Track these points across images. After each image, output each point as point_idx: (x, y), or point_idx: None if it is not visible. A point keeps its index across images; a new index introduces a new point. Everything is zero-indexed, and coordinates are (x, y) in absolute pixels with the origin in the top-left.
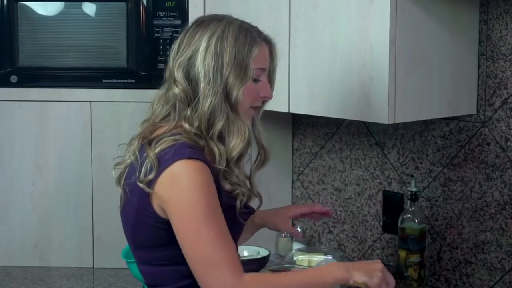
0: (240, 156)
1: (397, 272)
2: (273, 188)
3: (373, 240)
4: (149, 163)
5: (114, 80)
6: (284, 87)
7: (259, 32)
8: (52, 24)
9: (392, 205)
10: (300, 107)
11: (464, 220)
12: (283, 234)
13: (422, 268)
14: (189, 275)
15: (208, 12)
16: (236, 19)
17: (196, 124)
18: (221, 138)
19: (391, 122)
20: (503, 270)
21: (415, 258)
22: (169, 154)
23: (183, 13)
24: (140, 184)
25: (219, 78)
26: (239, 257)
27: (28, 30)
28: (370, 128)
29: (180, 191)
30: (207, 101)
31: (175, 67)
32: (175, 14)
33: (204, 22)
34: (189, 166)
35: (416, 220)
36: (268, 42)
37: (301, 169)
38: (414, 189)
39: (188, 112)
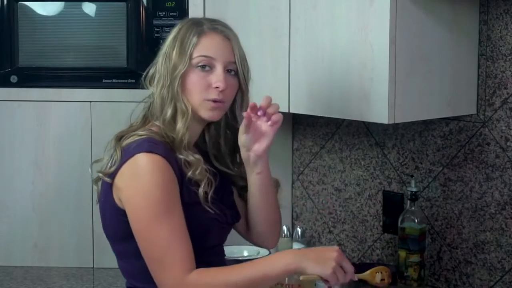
0: (187, 139)
1: (397, 272)
2: None
3: (373, 240)
4: (115, 157)
5: (114, 80)
6: (284, 87)
7: (212, 23)
8: (52, 24)
9: (392, 205)
10: (300, 107)
11: (464, 220)
12: (283, 234)
13: (422, 268)
14: None
15: (208, 12)
16: (198, 18)
17: (159, 118)
18: (171, 125)
19: (391, 122)
20: (503, 270)
21: (415, 258)
22: (131, 147)
23: (183, 13)
24: (100, 174)
25: (167, 72)
26: (191, 253)
27: (28, 30)
28: (370, 128)
29: (136, 184)
30: (157, 93)
31: (145, 73)
32: (175, 14)
33: (174, 27)
34: (147, 159)
35: (416, 220)
36: (218, 31)
37: (301, 169)
38: (414, 189)
39: (154, 109)
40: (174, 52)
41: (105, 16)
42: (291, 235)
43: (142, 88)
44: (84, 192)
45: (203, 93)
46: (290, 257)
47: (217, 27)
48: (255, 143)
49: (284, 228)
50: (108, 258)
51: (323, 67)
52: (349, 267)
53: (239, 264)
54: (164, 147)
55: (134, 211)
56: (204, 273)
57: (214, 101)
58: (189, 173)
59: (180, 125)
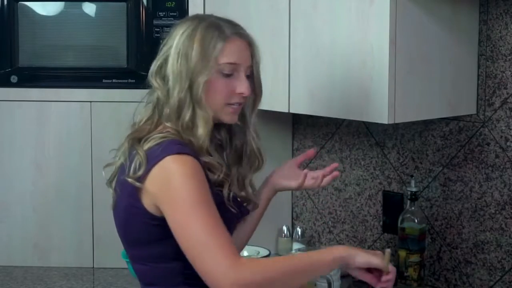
0: (208, 144)
1: (397, 272)
2: None
3: (373, 240)
4: (138, 160)
5: (114, 80)
6: (284, 87)
7: (233, 28)
8: (52, 24)
9: (392, 205)
10: (300, 107)
11: (464, 220)
12: (283, 234)
13: (422, 268)
14: (181, 272)
15: (208, 12)
16: (211, 17)
17: (172, 120)
18: (190, 130)
19: (391, 122)
20: (503, 270)
21: (415, 258)
22: (158, 151)
23: (183, 13)
24: (129, 180)
25: (184, 74)
26: (234, 245)
27: (28, 30)
28: (370, 128)
29: (172, 185)
30: (174, 96)
31: (154, 69)
32: (175, 14)
33: (181, 22)
34: (179, 160)
35: (416, 220)
36: (242, 37)
37: (301, 169)
38: (414, 189)
39: (167, 110)
40: (194, 54)
41: (105, 16)
42: (291, 235)
43: (144, 87)
44: (84, 192)
45: (226, 99)
46: (342, 248)
47: (241, 32)
48: (289, 180)
49: (284, 228)
50: (108, 258)
51: (323, 67)
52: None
53: (288, 255)
54: (191, 148)
55: (173, 207)
56: (253, 259)
57: (234, 104)
58: (215, 177)
59: (201, 131)
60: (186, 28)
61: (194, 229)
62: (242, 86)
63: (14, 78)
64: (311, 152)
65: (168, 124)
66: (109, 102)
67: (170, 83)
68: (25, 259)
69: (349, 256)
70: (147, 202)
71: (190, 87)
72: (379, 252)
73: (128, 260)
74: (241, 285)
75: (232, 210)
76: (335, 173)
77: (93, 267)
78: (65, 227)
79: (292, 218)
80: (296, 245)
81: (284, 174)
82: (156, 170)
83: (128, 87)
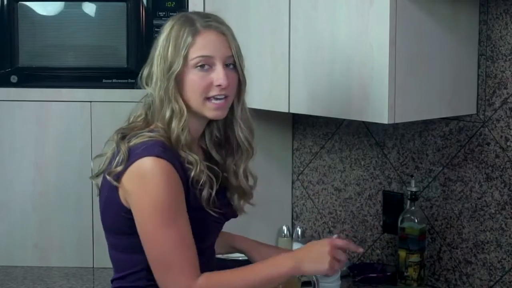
0: (185, 140)
1: (397, 272)
2: (273, 188)
3: (373, 240)
4: (122, 155)
5: (114, 80)
6: (284, 87)
7: (204, 20)
8: (52, 24)
9: (392, 205)
10: (300, 107)
11: (464, 220)
12: (283, 234)
13: (422, 268)
14: (145, 264)
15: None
16: (189, 14)
17: (160, 120)
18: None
19: (391, 122)
20: (503, 270)
21: (415, 258)
22: (140, 149)
23: None
24: (107, 177)
25: (163, 73)
26: (197, 258)
27: (28, 30)
28: (370, 128)
29: (143, 189)
30: (156, 95)
31: (144, 75)
32: (175, 14)
33: (165, 23)
34: (156, 164)
35: (416, 220)
36: (215, 29)
37: (301, 169)
38: (414, 189)
39: (155, 110)
40: (169, 53)
41: (105, 16)
42: (291, 235)
43: (139, 88)
44: (84, 192)
45: (205, 92)
46: (292, 262)
47: (211, 23)
48: None
49: (284, 228)
50: (108, 258)
51: (323, 67)
52: (343, 256)
53: (243, 267)
54: (172, 151)
55: (141, 215)
56: (211, 277)
57: (216, 98)
58: (192, 173)
59: (174, 125)
60: (165, 29)
61: (160, 243)
62: (218, 78)
63: (14, 78)
64: None
65: (159, 124)
66: (109, 102)
67: (152, 84)
68: (25, 259)
69: (299, 271)
70: (123, 196)
71: (168, 85)
72: (323, 245)
73: None
74: None
75: (213, 214)
76: None
77: (93, 267)
78: (65, 227)
79: (292, 218)
80: (296, 245)
81: None
82: (133, 169)
83: (128, 87)
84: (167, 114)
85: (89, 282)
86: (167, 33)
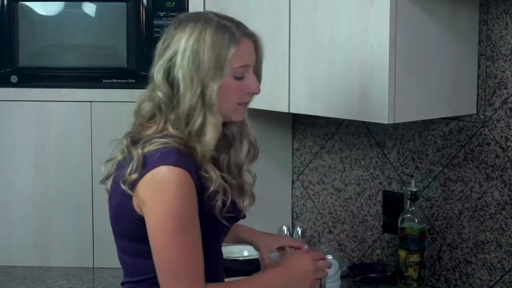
0: (209, 149)
1: (397, 272)
2: (273, 188)
3: (373, 240)
4: (136, 162)
5: (114, 80)
6: (284, 87)
7: (239, 28)
8: (52, 24)
9: (392, 205)
10: (300, 107)
11: (464, 220)
12: (283, 234)
13: (422, 268)
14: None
15: None
16: (214, 17)
17: (179, 127)
18: (199, 137)
19: (391, 122)
20: (503, 270)
21: (415, 258)
22: (155, 157)
23: None
24: (123, 186)
25: (196, 80)
26: (203, 269)
27: (28, 30)
28: (370, 128)
29: (159, 198)
30: (185, 102)
31: (155, 71)
32: (175, 14)
33: (182, 23)
34: (172, 173)
35: (416, 220)
36: (250, 37)
37: (301, 169)
38: (414, 189)
39: (173, 115)
40: (206, 60)
41: (105, 16)
42: (291, 235)
43: (144, 87)
44: (84, 192)
45: (239, 99)
46: (280, 280)
47: (248, 31)
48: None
49: (284, 228)
50: (108, 258)
51: (323, 67)
52: (323, 263)
53: (243, 280)
54: (189, 159)
55: (152, 223)
56: (217, 286)
57: (245, 103)
58: (212, 187)
59: (209, 137)
60: (192, 31)
61: (168, 252)
62: (254, 86)
63: (14, 78)
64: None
65: (172, 131)
66: (109, 102)
67: (181, 89)
68: (25, 259)
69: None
70: (136, 204)
71: (202, 93)
72: (303, 259)
73: None
74: None
75: (226, 223)
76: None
77: (93, 267)
78: (65, 227)
79: (292, 218)
80: None
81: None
82: (148, 177)
83: (128, 87)
84: (198, 123)
85: (89, 282)
86: (197, 36)
